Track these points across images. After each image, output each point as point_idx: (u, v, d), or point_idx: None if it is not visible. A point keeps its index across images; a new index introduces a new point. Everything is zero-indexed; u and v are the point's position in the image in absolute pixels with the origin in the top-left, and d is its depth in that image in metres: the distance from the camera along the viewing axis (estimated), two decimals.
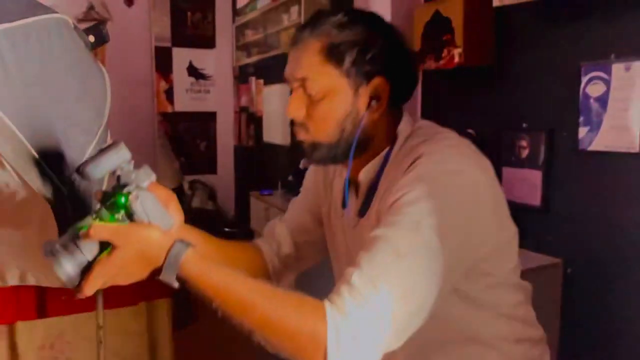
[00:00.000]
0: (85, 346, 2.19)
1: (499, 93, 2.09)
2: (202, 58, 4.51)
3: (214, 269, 0.74)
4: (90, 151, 1.09)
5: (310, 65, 0.85)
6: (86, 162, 0.74)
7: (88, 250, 0.72)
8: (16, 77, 0.94)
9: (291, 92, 0.90)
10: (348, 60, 0.84)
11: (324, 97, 0.85)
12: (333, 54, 0.84)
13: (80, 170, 0.74)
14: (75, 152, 1.05)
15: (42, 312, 1.83)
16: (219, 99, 4.63)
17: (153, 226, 0.74)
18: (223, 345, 3.12)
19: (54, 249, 0.72)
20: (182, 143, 4.46)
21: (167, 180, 3.89)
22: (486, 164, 0.85)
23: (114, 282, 0.74)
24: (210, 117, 4.64)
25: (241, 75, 4.52)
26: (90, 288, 0.73)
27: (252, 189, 3.56)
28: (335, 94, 0.85)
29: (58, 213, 1.01)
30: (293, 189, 3.08)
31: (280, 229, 1.09)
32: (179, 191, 4.06)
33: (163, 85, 4.26)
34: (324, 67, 0.84)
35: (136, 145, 1.38)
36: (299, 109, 0.87)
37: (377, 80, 0.86)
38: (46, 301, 1.82)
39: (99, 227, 0.71)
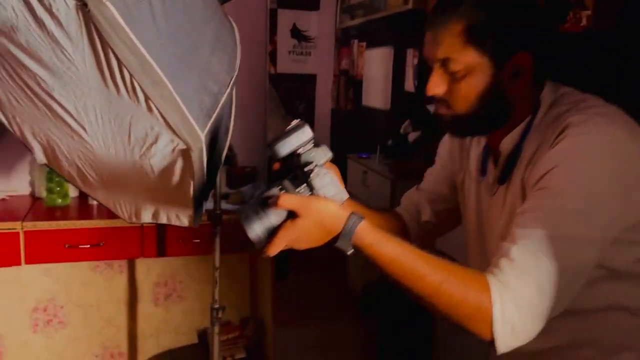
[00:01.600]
0: (194, 287, 2.38)
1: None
2: (305, 20, 4.54)
3: (385, 238, 0.80)
4: (222, 102, 1.15)
5: (452, 46, 0.85)
6: (274, 140, 0.86)
7: (275, 216, 0.82)
8: (164, 28, 1.00)
9: (429, 69, 0.90)
10: (490, 39, 0.83)
11: (465, 75, 0.85)
12: (475, 35, 0.84)
13: (269, 146, 0.86)
14: (210, 101, 1.12)
15: (161, 252, 1.99)
16: (319, 62, 4.66)
17: (330, 200, 0.82)
18: (309, 299, 3.26)
19: (247, 214, 0.83)
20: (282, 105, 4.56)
21: None
22: (638, 131, 0.82)
23: (294, 246, 0.83)
24: (310, 79, 4.69)
25: (343, 38, 4.50)
26: (274, 249, 0.82)
27: (349, 152, 3.59)
28: (477, 71, 0.85)
29: (194, 158, 1.09)
30: (393, 153, 3.07)
31: (418, 197, 1.15)
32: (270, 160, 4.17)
33: (267, 47, 4.35)
34: (465, 48, 0.84)
35: (249, 104, 1.44)
36: (439, 86, 0.88)
37: (520, 56, 0.85)
38: (165, 243, 1.98)
39: (286, 197, 0.80)
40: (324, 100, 4.71)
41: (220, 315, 1.62)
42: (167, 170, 1.15)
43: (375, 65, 3.82)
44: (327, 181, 0.83)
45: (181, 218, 1.29)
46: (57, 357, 2.22)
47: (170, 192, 1.20)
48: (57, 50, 1.01)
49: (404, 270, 0.78)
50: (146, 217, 1.35)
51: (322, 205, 0.81)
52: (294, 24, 4.52)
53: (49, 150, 1.39)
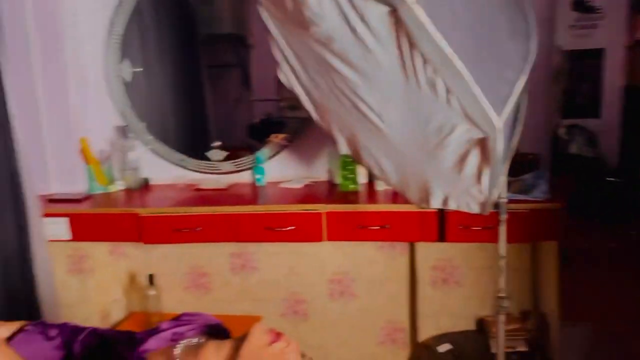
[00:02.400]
0: (471, 274, 2.40)
1: None
2: None
3: None
4: (518, 89, 1.14)
5: None
6: None
7: None
8: (462, 19, 1.04)
9: None
10: None
11: None
12: None
13: None
14: (506, 88, 1.12)
15: (441, 236, 2.06)
16: (607, 34, 4.12)
17: None
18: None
19: None
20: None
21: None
22: None
23: None
24: (595, 54, 4.19)
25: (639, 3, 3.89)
26: None
27: None
28: None
29: (491, 146, 1.10)
30: None
31: None
32: (553, 136, 3.85)
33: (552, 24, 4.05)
34: None
35: (532, 88, 1.37)
36: None
37: None
38: (445, 228, 2.05)
39: None
40: (613, 75, 4.16)
41: (506, 304, 1.61)
42: (462, 159, 1.20)
43: None
44: None
45: (471, 205, 1.33)
46: (350, 324, 2.52)
47: (463, 180, 1.25)
48: (366, 53, 1.15)
49: None
50: (436, 203, 1.42)
51: None
52: None
53: (351, 143, 1.58)
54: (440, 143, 1.20)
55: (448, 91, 1.04)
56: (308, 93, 1.55)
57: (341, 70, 1.25)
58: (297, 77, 1.50)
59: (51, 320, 1.25)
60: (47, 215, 2.19)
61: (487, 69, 1.09)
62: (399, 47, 1.04)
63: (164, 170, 2.57)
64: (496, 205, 1.65)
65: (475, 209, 1.33)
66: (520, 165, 2.10)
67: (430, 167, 1.33)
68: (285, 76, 1.53)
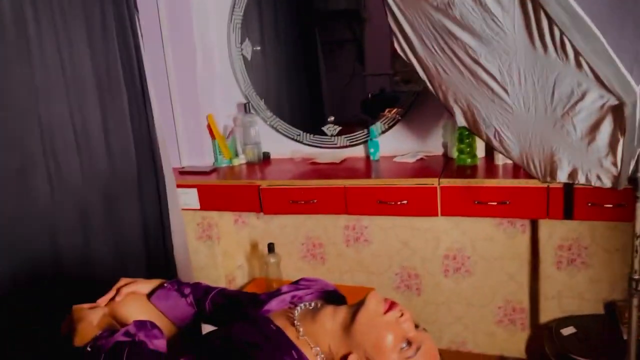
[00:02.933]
0: (601, 255, 2.23)
1: None
2: None
3: None
4: None
5: None
6: None
7: None
8: None
9: None
10: None
11: None
12: None
13: None
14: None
15: (567, 214, 1.93)
16: None
17: None
18: None
19: None
20: None
21: None
22: None
23: None
24: None
25: None
26: None
27: None
28: None
29: (627, 113, 1.01)
30: None
31: None
32: None
33: None
34: None
35: None
36: None
37: None
38: (573, 205, 1.91)
39: None
40: None
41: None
42: (593, 127, 1.11)
43: None
44: None
45: (603, 179, 1.23)
46: (465, 301, 2.47)
47: (594, 152, 1.16)
48: (487, 18, 1.10)
49: None
50: (562, 176, 1.34)
51: None
52: None
53: (469, 114, 1.53)
54: (570, 111, 1.12)
55: (578, 54, 0.96)
56: (424, 64, 1.52)
57: (461, 37, 1.21)
58: (413, 48, 1.47)
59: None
60: (180, 186, 2.39)
61: (624, 30, 0.99)
62: (523, 9, 0.98)
63: (283, 145, 2.67)
64: (632, 180, 1.51)
65: (607, 183, 1.23)
66: None
67: (558, 137, 1.24)
68: (401, 46, 1.51)
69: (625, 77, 0.96)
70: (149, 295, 1.25)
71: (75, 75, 1.92)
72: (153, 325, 1.10)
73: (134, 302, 1.21)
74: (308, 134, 2.64)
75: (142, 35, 2.24)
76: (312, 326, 1.06)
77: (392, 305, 1.02)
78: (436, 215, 2.10)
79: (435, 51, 1.39)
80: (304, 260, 2.74)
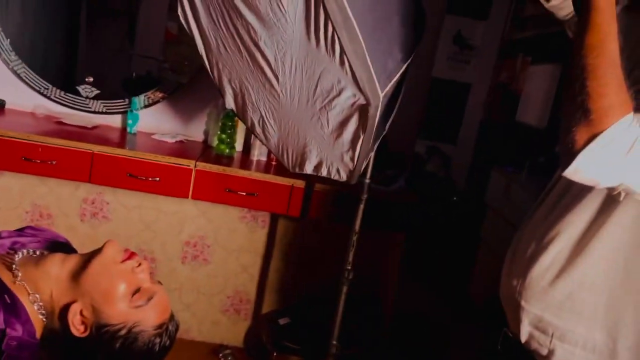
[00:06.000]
0: (329, 252, 2.52)
1: None
2: (471, 28, 4.50)
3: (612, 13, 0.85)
4: (403, 69, 1.24)
5: None
6: None
7: None
8: None
9: None
10: None
11: None
12: None
13: None
14: (393, 65, 1.21)
15: (304, 213, 2.14)
16: (477, 71, 4.59)
17: None
18: None
19: None
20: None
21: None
22: None
23: None
24: (464, 87, 4.64)
25: (507, 50, 4.39)
26: None
27: (492, 165, 3.51)
28: None
29: (371, 113, 1.19)
30: (543, 171, 2.96)
31: None
32: (413, 155, 4.16)
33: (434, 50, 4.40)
34: None
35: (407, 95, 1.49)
36: None
37: None
38: (309, 205, 2.13)
39: None
40: (474, 109, 4.64)
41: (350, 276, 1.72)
42: (343, 123, 1.27)
43: (538, 82, 3.68)
44: None
45: (341, 172, 1.41)
46: (197, 290, 2.49)
47: (340, 146, 1.32)
48: (274, 2, 1.17)
49: (592, 43, 0.84)
50: (309, 168, 1.48)
51: None
52: (459, 31, 4.51)
53: (239, 97, 1.59)
54: (327, 105, 1.26)
55: (343, 52, 1.10)
56: (205, 37, 1.52)
57: (246, 15, 1.26)
58: (197, 18, 1.46)
59: None
60: None
61: (379, 43, 1.17)
62: (307, 1, 1.08)
63: (25, 95, 2.34)
64: (360, 184, 1.76)
65: (344, 177, 1.41)
66: (386, 159, 2.26)
67: (312, 129, 1.38)
68: (185, 14, 1.48)
69: (374, 81, 1.14)
70: None
71: None
72: None
73: None
74: (58, 90, 2.37)
75: None
76: (34, 272, 0.96)
77: (131, 255, 0.99)
78: (187, 197, 2.10)
79: (220, 25, 1.41)
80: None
